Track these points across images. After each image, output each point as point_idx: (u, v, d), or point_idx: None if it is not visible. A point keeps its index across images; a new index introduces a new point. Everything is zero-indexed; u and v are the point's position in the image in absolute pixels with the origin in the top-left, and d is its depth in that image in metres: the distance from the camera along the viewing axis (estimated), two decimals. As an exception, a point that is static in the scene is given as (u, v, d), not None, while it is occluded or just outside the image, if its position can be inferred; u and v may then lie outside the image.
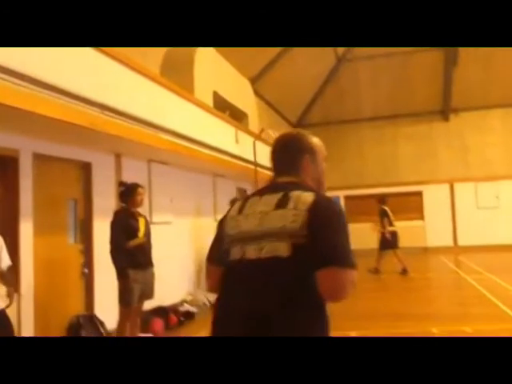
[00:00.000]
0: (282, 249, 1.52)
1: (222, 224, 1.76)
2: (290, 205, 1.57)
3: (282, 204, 1.59)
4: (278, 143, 1.86)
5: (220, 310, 1.66)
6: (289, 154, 1.79)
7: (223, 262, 1.68)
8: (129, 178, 5.41)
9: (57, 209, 5.08)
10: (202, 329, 5.98)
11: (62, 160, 5.12)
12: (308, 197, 1.57)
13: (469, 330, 5.24)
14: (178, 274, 7.40)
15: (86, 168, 5.50)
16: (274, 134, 11.53)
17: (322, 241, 1.49)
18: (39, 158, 4.75)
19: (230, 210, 1.77)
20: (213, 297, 7.51)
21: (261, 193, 1.72)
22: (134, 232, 4.56)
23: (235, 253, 1.63)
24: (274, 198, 1.63)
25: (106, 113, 4.83)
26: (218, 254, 1.72)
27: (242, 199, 1.77)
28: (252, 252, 1.58)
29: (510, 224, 14.99)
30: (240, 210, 1.69)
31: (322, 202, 1.57)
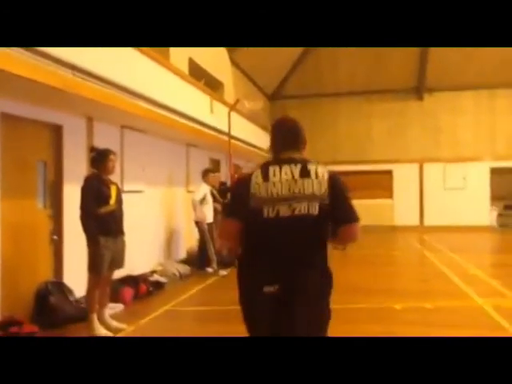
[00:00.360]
0: (314, 208, 2.06)
1: (244, 188, 2.13)
2: (313, 174, 2.10)
3: (305, 174, 2.09)
4: (286, 125, 2.30)
5: (256, 256, 2.11)
6: (297, 136, 2.25)
7: (248, 219, 2.10)
8: (101, 143, 5.29)
9: (25, 172, 4.92)
10: (171, 299, 6.01)
11: (32, 121, 4.93)
12: (323, 170, 2.14)
13: (429, 306, 5.45)
14: (148, 244, 7.36)
15: (56, 130, 5.32)
16: (248, 105, 11.46)
17: (340, 206, 2.09)
18: (7, 119, 4.57)
19: (249, 178, 2.15)
20: (183, 268, 7.54)
21: (277, 164, 2.15)
22: (105, 199, 4.48)
23: (269, 211, 2.07)
24: (294, 169, 2.11)
25: (78, 74, 4.66)
26: (242, 211, 2.11)
27: (261, 169, 2.16)
28: (285, 210, 2.06)
29: (475, 206, 15.48)
30: (265, 178, 2.11)
31: (335, 176, 2.16)
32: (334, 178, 2.12)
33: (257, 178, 2.12)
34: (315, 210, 2.06)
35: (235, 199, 2.24)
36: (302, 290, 2.02)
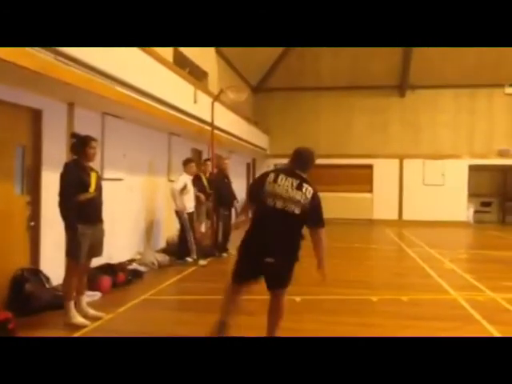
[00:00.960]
0: (297, 210, 3.32)
1: (261, 182, 3.45)
2: (303, 190, 3.34)
3: (299, 188, 3.35)
4: (304, 154, 3.55)
5: (255, 229, 3.43)
6: (308, 163, 3.52)
7: (257, 203, 3.45)
8: (81, 129, 5.21)
9: (3, 156, 4.82)
10: (149, 288, 5.99)
11: (11, 105, 4.82)
12: (311, 189, 3.38)
13: (405, 298, 5.56)
14: (127, 233, 7.31)
15: (36, 115, 5.22)
16: (232, 95, 11.39)
17: (314, 214, 3.37)
18: (-15, 102, 4.47)
19: (266, 176, 3.46)
20: (162, 257, 7.51)
21: (286, 174, 3.40)
22: (85, 186, 4.42)
23: (270, 202, 3.34)
24: (294, 182, 3.36)
25: (60, 58, 4.57)
26: (255, 198, 3.49)
27: (274, 173, 3.43)
28: (280, 204, 3.32)
29: (452, 202, 15.77)
30: (275, 180, 3.37)
31: (316, 194, 3.40)
32: (315, 195, 3.40)
33: (270, 178, 3.41)
34: (298, 210, 3.33)
35: (252, 190, 3.61)
36: (277, 255, 3.35)
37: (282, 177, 3.34)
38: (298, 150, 3.55)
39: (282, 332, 4.28)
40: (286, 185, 3.31)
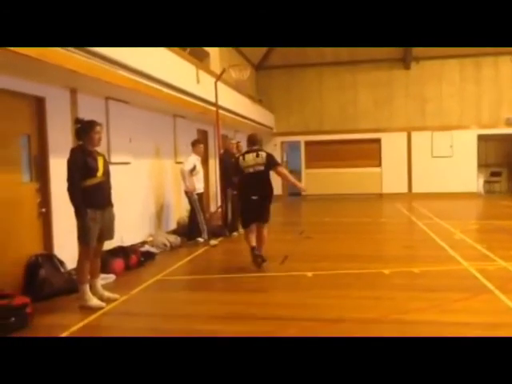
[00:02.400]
0: (261, 167, 5.90)
1: (237, 162, 6.04)
2: (260, 156, 5.95)
3: (257, 156, 5.94)
4: (251, 136, 6.20)
5: (242, 188, 6.12)
6: (256, 140, 6.16)
7: (241, 173, 6.01)
8: (85, 114, 5.18)
9: (8, 146, 4.82)
10: (162, 269, 6.04)
11: (12, 93, 4.81)
12: (264, 153, 6.02)
13: (416, 270, 5.56)
14: (138, 215, 7.35)
15: (39, 103, 5.21)
16: (235, 75, 11.25)
17: (271, 162, 5.98)
18: (-13, 91, 4.44)
19: (237, 159, 6.14)
20: (173, 239, 7.57)
21: (247, 152, 6.02)
22: (92, 171, 4.43)
23: (247, 169, 5.90)
24: (253, 154, 5.96)
25: (60, 44, 4.52)
26: (238, 171, 6.02)
27: (241, 155, 6.09)
28: (251, 169, 5.90)
29: (462, 173, 15.64)
30: (243, 158, 5.96)
31: (268, 153, 6.08)
32: (268, 154, 5.96)
33: (240, 159, 5.99)
34: (262, 167, 5.83)
35: (236, 166, 6.06)
36: (263, 196, 5.85)
37: (246, 155, 5.92)
38: (248, 136, 6.18)
39: (295, 309, 4.33)
40: (251, 157, 5.85)
